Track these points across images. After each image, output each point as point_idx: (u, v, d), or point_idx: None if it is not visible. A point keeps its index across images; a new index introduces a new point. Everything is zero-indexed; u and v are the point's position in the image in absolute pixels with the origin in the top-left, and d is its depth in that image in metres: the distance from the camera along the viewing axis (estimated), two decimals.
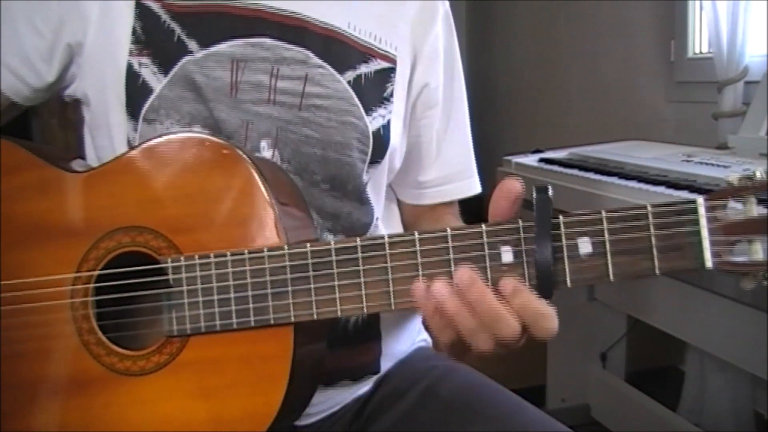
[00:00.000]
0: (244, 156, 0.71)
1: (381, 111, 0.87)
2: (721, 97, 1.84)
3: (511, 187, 0.63)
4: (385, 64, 0.88)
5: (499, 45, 3.45)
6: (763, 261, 0.59)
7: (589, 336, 2.17)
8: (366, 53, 0.87)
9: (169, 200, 0.72)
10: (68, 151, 0.83)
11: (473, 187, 1.00)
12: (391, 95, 0.88)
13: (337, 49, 0.85)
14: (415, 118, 0.93)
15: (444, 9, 0.95)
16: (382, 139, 0.87)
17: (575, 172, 1.65)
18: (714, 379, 1.86)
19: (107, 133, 0.83)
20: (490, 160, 1.93)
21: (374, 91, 0.87)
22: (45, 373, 0.73)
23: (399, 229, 0.99)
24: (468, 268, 0.62)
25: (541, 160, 1.84)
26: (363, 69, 0.86)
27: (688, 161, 1.55)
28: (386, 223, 0.95)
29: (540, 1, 2.96)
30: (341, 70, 0.84)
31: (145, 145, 0.74)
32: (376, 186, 0.90)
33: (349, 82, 0.85)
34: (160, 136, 0.73)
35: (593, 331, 2.17)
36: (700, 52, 2.12)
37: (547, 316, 0.62)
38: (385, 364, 0.94)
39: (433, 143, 0.95)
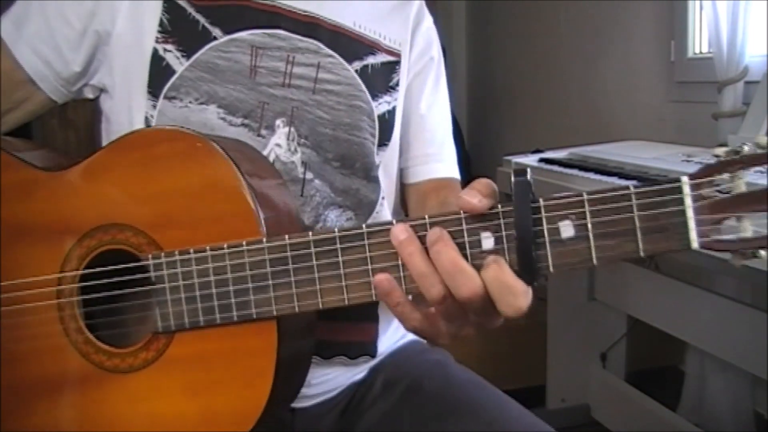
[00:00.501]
0: (219, 149, 0.70)
1: (386, 98, 0.95)
2: (721, 97, 1.83)
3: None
4: (390, 58, 0.96)
5: (499, 45, 3.45)
6: (752, 238, 0.57)
7: (589, 336, 2.17)
8: (372, 47, 0.95)
9: (147, 196, 0.72)
10: (68, 150, 0.84)
11: (449, 170, 1.01)
12: (397, 84, 0.96)
13: (344, 41, 0.92)
14: (409, 94, 0.99)
15: (430, 20, 1.02)
16: (387, 122, 0.94)
17: (575, 172, 1.65)
18: (714, 379, 1.86)
19: (128, 116, 0.87)
20: (490, 160, 1.94)
21: (380, 79, 0.94)
22: (37, 373, 0.74)
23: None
24: (439, 228, 0.62)
25: (541, 160, 1.84)
26: (370, 60, 0.94)
27: (688, 161, 1.55)
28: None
29: (540, 1, 2.96)
30: (349, 60, 0.92)
31: (119, 140, 0.74)
32: (387, 169, 0.96)
33: (356, 71, 0.92)
34: (133, 132, 0.74)
35: (593, 331, 2.17)
36: (700, 52, 2.12)
37: (516, 291, 0.60)
38: (382, 347, 0.96)
39: (423, 116, 1.00)
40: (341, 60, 0.91)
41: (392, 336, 0.99)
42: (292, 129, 0.88)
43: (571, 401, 2.21)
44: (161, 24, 0.87)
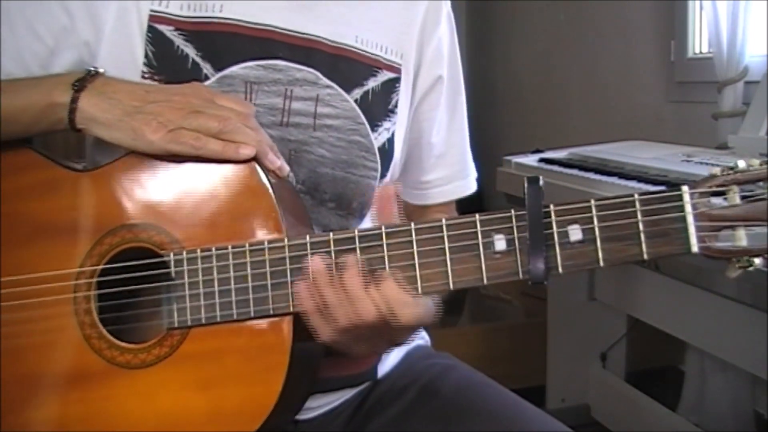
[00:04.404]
0: None
1: (386, 124, 0.88)
2: (721, 97, 1.84)
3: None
4: (390, 75, 0.89)
5: (499, 45, 3.45)
6: (746, 247, 0.62)
7: (589, 336, 2.17)
8: (373, 66, 0.88)
9: (172, 197, 0.73)
10: (68, 152, 0.85)
11: (470, 185, 1.00)
12: (396, 105, 0.89)
13: (344, 66, 0.86)
14: (418, 119, 0.94)
15: (447, 9, 0.96)
16: (387, 153, 0.89)
17: (575, 172, 1.65)
18: (714, 379, 1.86)
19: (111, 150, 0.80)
20: (490, 160, 1.93)
21: (380, 104, 0.88)
22: (47, 367, 0.75)
23: None
24: (354, 258, 0.68)
25: (541, 160, 1.84)
26: (370, 84, 0.87)
27: (688, 161, 1.56)
28: None
29: (540, 1, 2.96)
30: (348, 89, 0.86)
31: None
32: None
33: (356, 101, 0.86)
34: None
35: (593, 331, 2.17)
36: (700, 52, 2.12)
37: (407, 303, 0.66)
38: (384, 368, 0.94)
39: (434, 144, 0.96)
40: (340, 90, 0.85)
41: (396, 353, 0.96)
42: (291, 174, 0.81)
43: (571, 401, 2.20)
44: (146, 56, 0.80)
